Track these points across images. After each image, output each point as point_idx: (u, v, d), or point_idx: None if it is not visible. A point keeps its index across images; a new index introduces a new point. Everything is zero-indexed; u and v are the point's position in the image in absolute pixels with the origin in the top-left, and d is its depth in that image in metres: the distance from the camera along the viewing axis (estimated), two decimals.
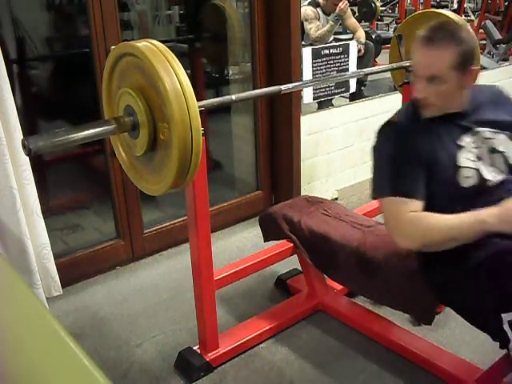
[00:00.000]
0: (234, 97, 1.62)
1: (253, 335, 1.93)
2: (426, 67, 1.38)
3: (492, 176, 1.40)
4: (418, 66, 1.40)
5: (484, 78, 2.12)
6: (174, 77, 1.17)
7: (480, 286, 1.33)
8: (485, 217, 1.29)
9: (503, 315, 1.24)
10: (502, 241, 1.31)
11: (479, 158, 1.42)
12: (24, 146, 1.18)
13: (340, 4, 3.57)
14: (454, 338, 1.92)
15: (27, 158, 1.91)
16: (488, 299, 1.30)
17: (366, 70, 1.97)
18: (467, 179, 1.39)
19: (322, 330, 2.02)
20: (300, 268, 2.17)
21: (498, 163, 1.43)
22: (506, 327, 1.24)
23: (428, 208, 1.40)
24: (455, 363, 1.73)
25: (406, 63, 2.14)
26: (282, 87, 1.78)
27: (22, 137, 1.89)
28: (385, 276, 1.63)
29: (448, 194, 1.39)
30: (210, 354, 1.83)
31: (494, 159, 1.43)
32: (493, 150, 1.44)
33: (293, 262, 2.19)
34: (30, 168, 1.96)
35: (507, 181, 1.42)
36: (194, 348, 1.87)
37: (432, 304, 1.54)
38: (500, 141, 1.45)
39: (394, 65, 2.16)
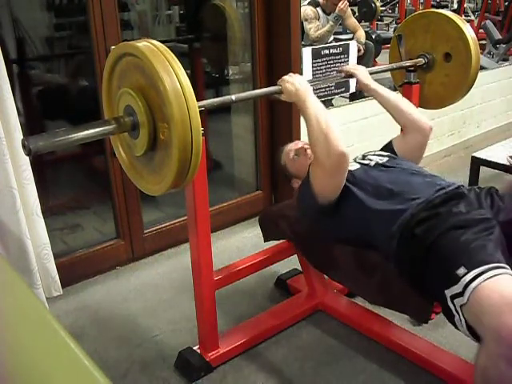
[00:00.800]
0: (233, 97, 1.62)
1: (253, 335, 1.93)
2: (291, 149, 1.93)
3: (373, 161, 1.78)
4: (291, 151, 1.92)
5: (484, 78, 2.12)
6: (174, 77, 1.16)
7: (431, 267, 1.39)
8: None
9: (446, 291, 1.28)
10: (451, 218, 1.43)
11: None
12: (24, 146, 1.17)
13: (340, 4, 3.57)
14: (454, 338, 1.92)
15: (27, 157, 1.91)
16: (436, 279, 1.36)
17: (367, 70, 1.99)
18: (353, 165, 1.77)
19: (322, 330, 2.02)
20: (300, 268, 2.17)
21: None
22: (449, 303, 1.28)
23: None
24: (455, 363, 1.73)
25: (406, 63, 2.14)
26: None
27: (21, 137, 1.89)
28: (382, 275, 1.63)
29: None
30: (209, 354, 1.83)
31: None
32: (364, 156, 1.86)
33: (293, 262, 2.19)
34: (29, 168, 1.96)
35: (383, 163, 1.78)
36: (194, 348, 1.87)
37: (426, 302, 1.54)
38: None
39: (394, 65, 2.16)
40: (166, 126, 1.21)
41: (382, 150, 1.93)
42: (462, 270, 1.25)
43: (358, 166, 1.75)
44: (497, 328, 1.13)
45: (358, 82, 1.95)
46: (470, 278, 1.23)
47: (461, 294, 1.24)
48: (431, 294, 1.44)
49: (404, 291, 1.56)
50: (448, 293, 1.28)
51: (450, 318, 1.31)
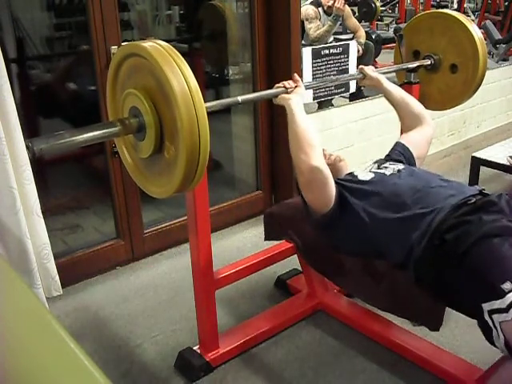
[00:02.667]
0: (240, 98, 1.60)
1: (253, 335, 1.93)
2: None
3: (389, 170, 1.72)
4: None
5: (484, 78, 2.12)
6: (182, 79, 1.15)
7: (465, 277, 1.34)
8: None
9: (483, 305, 1.25)
10: (484, 225, 1.36)
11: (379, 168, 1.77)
12: (28, 148, 1.17)
13: (335, 3, 3.57)
14: (454, 338, 1.92)
15: (27, 157, 1.91)
16: (471, 289, 1.32)
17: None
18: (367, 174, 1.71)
19: (322, 330, 2.02)
20: (300, 268, 2.17)
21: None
22: (486, 317, 1.24)
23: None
24: (455, 363, 1.73)
25: (413, 64, 2.14)
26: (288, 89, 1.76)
27: (21, 136, 1.89)
28: (390, 283, 1.61)
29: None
30: (209, 354, 1.83)
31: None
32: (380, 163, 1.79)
33: (293, 262, 2.19)
34: (30, 168, 1.95)
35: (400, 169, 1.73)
36: (194, 348, 1.87)
37: (439, 309, 1.52)
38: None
39: (395, 66, 2.17)
40: (173, 131, 1.19)
41: (391, 152, 1.87)
42: (508, 285, 1.20)
43: (372, 175, 1.68)
44: None
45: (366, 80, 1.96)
46: None
47: (504, 311, 1.19)
48: (460, 303, 1.40)
49: (415, 298, 1.54)
50: (487, 306, 1.23)
51: (487, 331, 1.27)
